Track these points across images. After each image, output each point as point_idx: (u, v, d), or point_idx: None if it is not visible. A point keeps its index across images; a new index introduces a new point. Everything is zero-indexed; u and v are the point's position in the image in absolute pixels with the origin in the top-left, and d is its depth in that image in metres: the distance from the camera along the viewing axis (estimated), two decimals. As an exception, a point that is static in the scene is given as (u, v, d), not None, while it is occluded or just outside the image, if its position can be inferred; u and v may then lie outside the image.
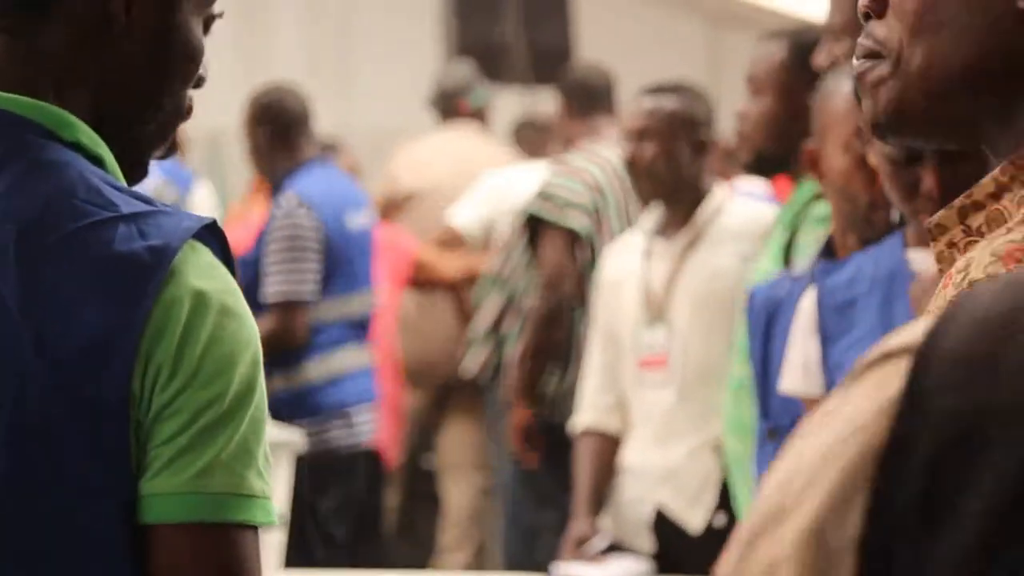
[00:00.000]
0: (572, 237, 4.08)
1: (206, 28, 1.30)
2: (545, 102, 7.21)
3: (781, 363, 2.22)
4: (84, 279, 1.16)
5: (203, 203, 5.44)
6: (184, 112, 1.28)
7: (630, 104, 3.40)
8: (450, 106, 5.48)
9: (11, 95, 1.22)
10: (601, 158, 4.19)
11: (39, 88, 1.23)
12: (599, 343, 3.44)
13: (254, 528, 1.20)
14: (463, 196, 5.17)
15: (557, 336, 4.09)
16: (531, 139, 5.97)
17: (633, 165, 3.34)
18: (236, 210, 5.43)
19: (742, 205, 3.38)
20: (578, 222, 4.07)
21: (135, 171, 1.28)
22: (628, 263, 3.36)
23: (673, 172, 3.31)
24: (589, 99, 4.46)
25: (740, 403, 2.69)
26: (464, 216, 4.97)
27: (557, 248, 4.11)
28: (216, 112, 8.46)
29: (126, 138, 1.26)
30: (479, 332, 4.47)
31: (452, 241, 4.97)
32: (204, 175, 6.24)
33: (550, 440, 4.10)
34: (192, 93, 1.29)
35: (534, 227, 4.19)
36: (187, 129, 7.06)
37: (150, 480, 1.18)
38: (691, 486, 3.23)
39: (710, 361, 3.19)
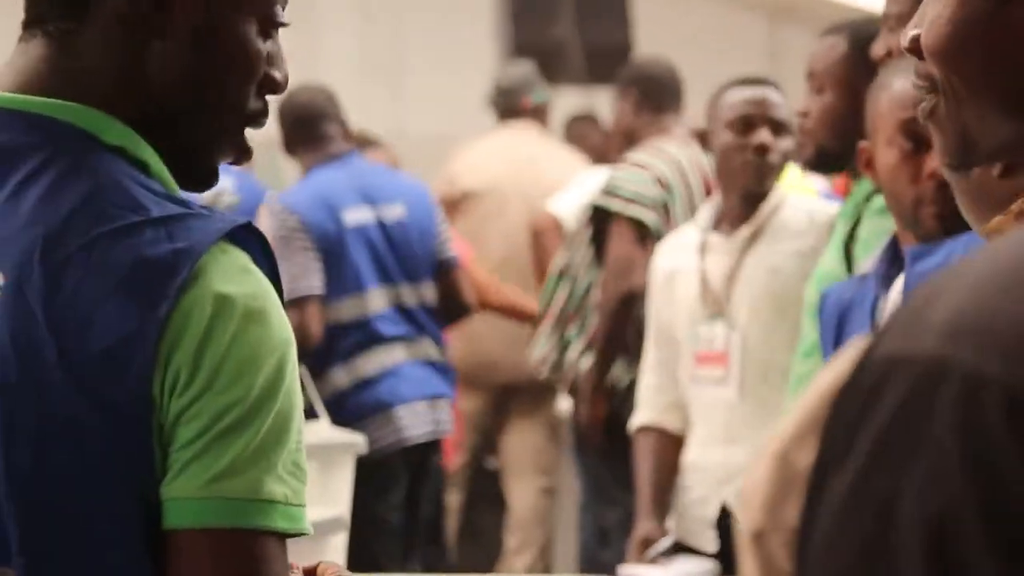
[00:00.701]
0: (639, 230, 4.04)
1: (265, 32, 1.27)
2: (601, 101, 7.18)
3: None
4: (107, 283, 1.15)
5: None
6: (249, 115, 1.27)
7: (738, 96, 3.25)
8: (511, 104, 5.46)
9: (51, 100, 1.21)
10: (668, 155, 4.16)
11: (82, 92, 1.22)
12: (654, 340, 3.40)
13: (277, 535, 1.18)
14: (524, 195, 5.15)
15: (625, 328, 4.05)
16: (583, 136, 5.93)
17: (769, 153, 3.22)
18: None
19: (802, 201, 3.34)
20: (645, 215, 4.03)
21: (198, 175, 1.27)
22: (683, 258, 3.32)
23: (784, 169, 3.27)
24: (658, 95, 4.40)
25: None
26: (566, 206, 4.95)
27: (624, 239, 4.07)
28: (269, 119, 8.48)
29: (178, 142, 1.24)
30: (545, 329, 4.44)
31: (552, 229, 4.93)
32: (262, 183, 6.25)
33: (618, 435, 4.08)
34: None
35: (599, 222, 4.16)
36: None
37: (169, 484, 1.17)
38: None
39: (771, 358, 3.15)
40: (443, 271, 4.29)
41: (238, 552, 1.16)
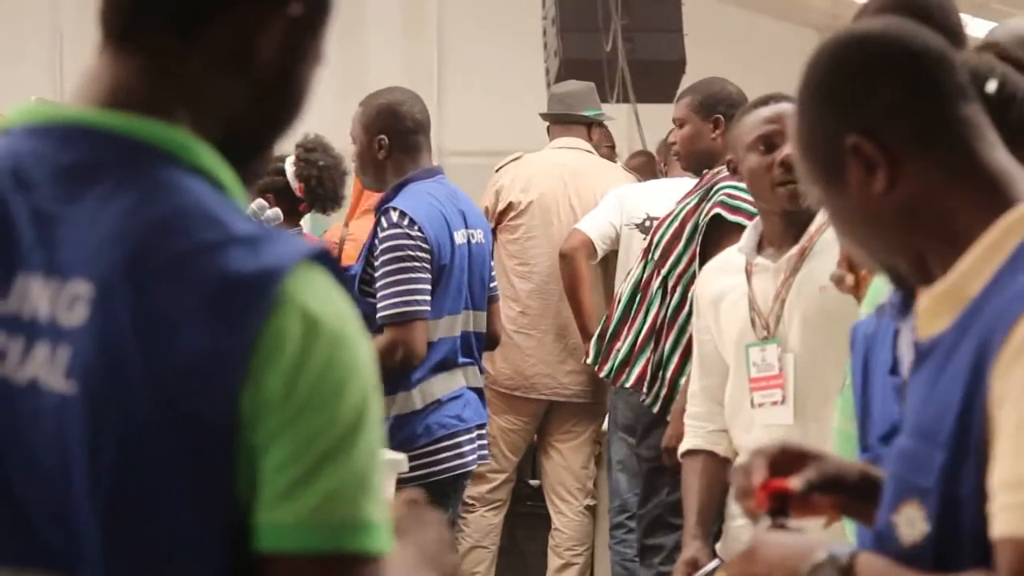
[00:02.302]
0: None
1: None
2: (648, 118, 7.14)
3: (879, 398, 2.16)
4: (195, 298, 1.16)
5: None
6: None
7: (761, 114, 3.22)
8: (564, 118, 5.45)
9: (135, 118, 1.23)
10: None
11: (168, 110, 1.24)
12: (699, 367, 3.38)
13: (375, 557, 1.19)
14: (571, 209, 5.13)
15: None
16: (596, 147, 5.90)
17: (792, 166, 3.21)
18: (334, 228, 5.43)
19: None
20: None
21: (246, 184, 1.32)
22: (728, 282, 3.28)
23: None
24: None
25: (847, 417, 2.61)
26: (595, 226, 4.92)
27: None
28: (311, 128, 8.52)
29: (246, 169, 1.29)
30: (629, 344, 4.40)
31: (583, 249, 4.91)
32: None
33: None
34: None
35: (707, 235, 4.12)
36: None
37: (269, 509, 1.17)
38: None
39: (824, 378, 3.10)
40: (491, 300, 4.24)
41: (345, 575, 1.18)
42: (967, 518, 1.40)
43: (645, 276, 4.41)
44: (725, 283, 3.29)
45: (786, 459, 1.68)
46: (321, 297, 1.19)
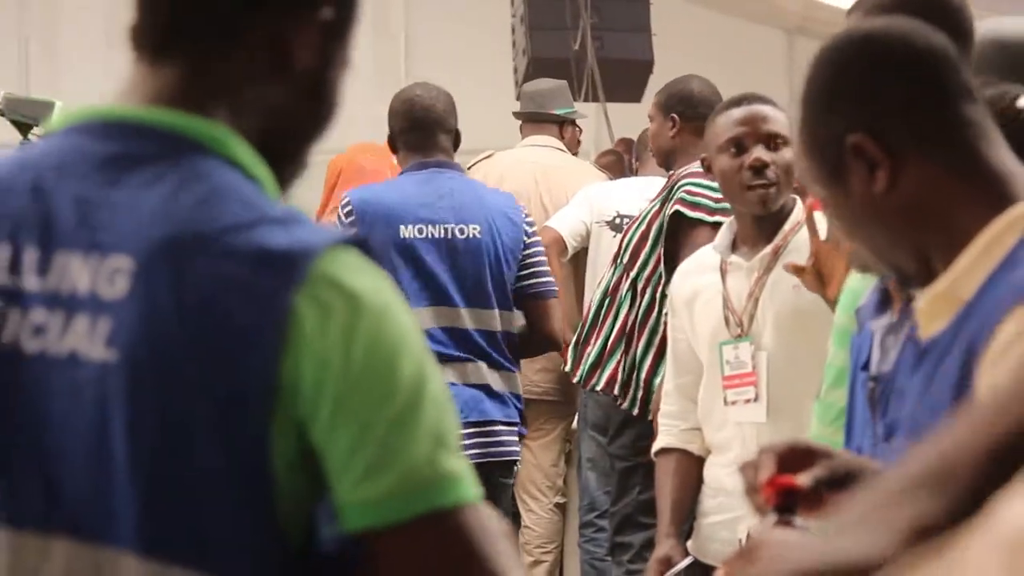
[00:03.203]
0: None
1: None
2: (617, 117, 7.15)
3: (858, 400, 2.17)
4: (230, 270, 1.19)
5: None
6: None
7: (731, 116, 3.23)
8: (536, 116, 5.44)
9: (180, 114, 1.28)
10: None
11: (210, 110, 1.28)
12: (673, 366, 3.38)
13: (468, 504, 1.21)
14: (543, 206, 5.13)
15: None
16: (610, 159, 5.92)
17: (761, 168, 3.19)
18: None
19: (820, 219, 3.29)
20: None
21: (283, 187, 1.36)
22: (703, 281, 3.29)
23: (788, 186, 3.23)
24: (697, 119, 4.39)
25: (825, 424, 2.61)
26: (566, 224, 4.92)
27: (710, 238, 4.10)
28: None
29: (284, 170, 1.33)
30: (599, 348, 4.39)
31: (554, 247, 4.91)
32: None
33: None
34: None
35: (672, 233, 4.14)
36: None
37: (352, 490, 1.19)
38: None
39: (798, 376, 3.11)
40: (528, 301, 4.14)
41: (448, 532, 1.20)
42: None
43: (614, 280, 4.41)
44: (699, 282, 3.30)
45: (795, 456, 1.68)
46: (358, 274, 1.21)
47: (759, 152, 3.18)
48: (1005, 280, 1.45)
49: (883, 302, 2.16)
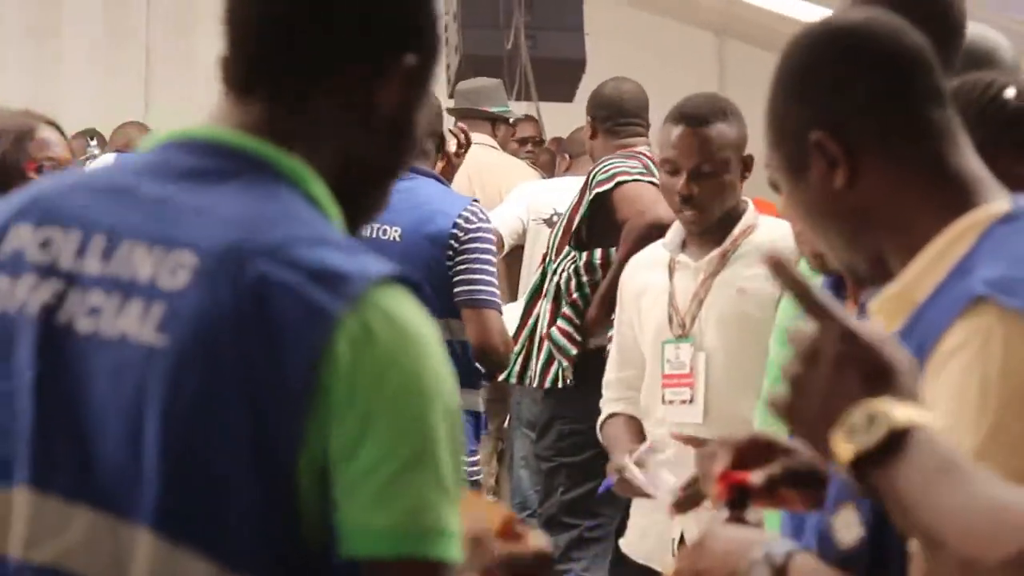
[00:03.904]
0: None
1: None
2: (548, 116, 7.16)
3: None
4: (288, 278, 1.24)
5: None
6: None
7: (670, 133, 3.23)
8: (469, 113, 5.45)
9: (263, 142, 1.33)
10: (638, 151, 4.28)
11: (291, 144, 1.33)
12: (617, 358, 3.38)
13: (451, 565, 1.25)
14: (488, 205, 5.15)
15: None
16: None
17: (688, 199, 3.19)
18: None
19: (772, 224, 3.27)
20: (655, 181, 4.04)
21: (352, 233, 1.40)
22: (652, 277, 3.29)
23: (730, 198, 3.22)
24: (624, 121, 4.43)
25: (768, 422, 2.63)
26: (502, 221, 4.94)
27: (642, 189, 4.10)
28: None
29: (361, 206, 1.38)
30: (521, 344, 4.40)
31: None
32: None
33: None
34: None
35: (600, 214, 4.18)
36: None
37: (360, 513, 1.23)
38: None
39: (738, 380, 3.12)
40: (461, 310, 3.81)
41: None
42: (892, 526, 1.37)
43: (541, 283, 4.44)
44: (649, 278, 3.30)
45: (755, 449, 1.66)
46: (407, 309, 1.26)
47: (683, 184, 3.17)
48: (955, 287, 1.44)
49: (835, 290, 2.17)
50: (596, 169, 4.27)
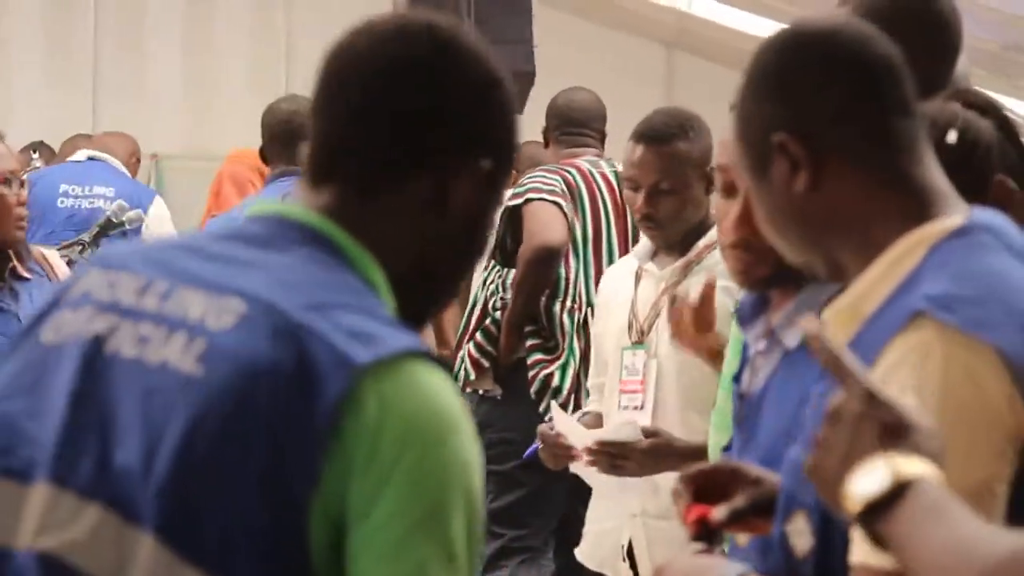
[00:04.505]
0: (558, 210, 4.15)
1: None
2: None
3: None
4: (326, 332, 1.29)
5: (159, 220, 5.43)
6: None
7: (631, 152, 3.26)
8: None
9: (332, 225, 1.39)
10: (575, 165, 4.33)
11: (361, 232, 1.39)
12: (593, 364, 3.44)
13: None
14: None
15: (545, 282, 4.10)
16: None
17: (648, 217, 3.22)
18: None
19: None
20: (558, 200, 4.15)
21: (417, 322, 1.44)
22: (620, 286, 3.33)
23: (692, 214, 3.24)
24: (571, 131, 4.45)
25: (721, 432, 2.64)
26: None
27: (540, 210, 4.16)
28: (162, 134, 8.38)
29: (416, 301, 1.42)
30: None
31: None
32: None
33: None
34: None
35: (513, 225, 4.24)
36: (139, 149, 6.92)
37: (367, 566, 1.26)
38: (663, 522, 3.16)
39: (687, 389, 3.14)
40: None
41: None
42: (842, 537, 1.40)
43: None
44: (618, 285, 3.34)
45: (720, 479, 1.68)
46: (439, 383, 1.31)
47: (642, 202, 3.21)
48: (900, 301, 1.44)
49: (759, 306, 2.18)
50: (518, 182, 4.30)
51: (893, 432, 1.27)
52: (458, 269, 1.45)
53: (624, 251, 4.20)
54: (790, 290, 2.06)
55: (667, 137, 3.22)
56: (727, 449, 2.35)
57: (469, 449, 1.30)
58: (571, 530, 3.79)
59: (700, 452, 2.72)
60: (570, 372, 4.28)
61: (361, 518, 1.26)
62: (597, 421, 3.31)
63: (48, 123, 7.52)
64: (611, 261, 4.22)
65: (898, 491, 1.24)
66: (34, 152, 6.71)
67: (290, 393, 1.27)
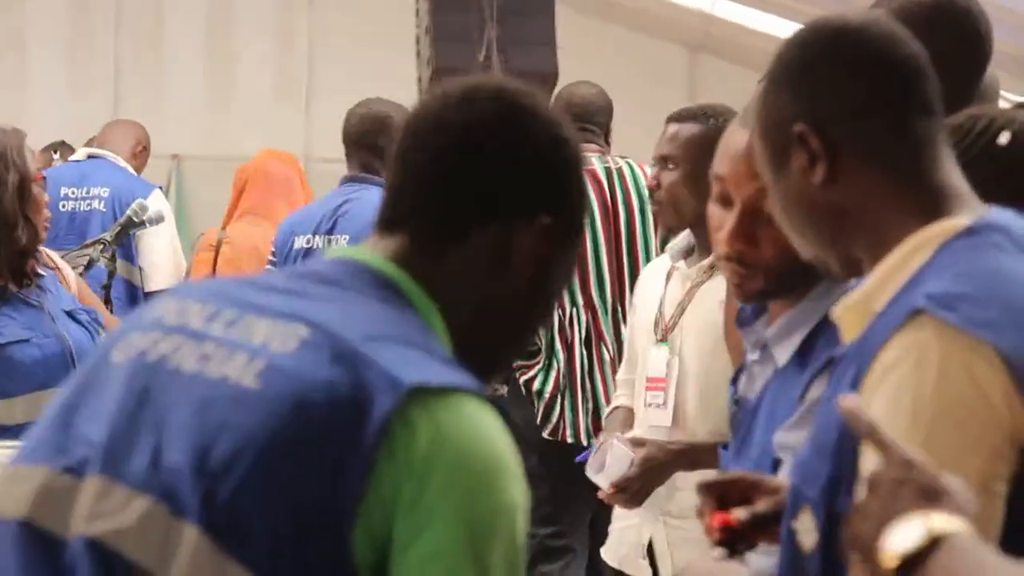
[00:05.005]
0: None
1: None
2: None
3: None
4: (380, 360, 1.33)
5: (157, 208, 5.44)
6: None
7: (668, 131, 3.30)
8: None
9: (401, 272, 1.46)
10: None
11: (427, 282, 1.45)
12: (626, 359, 3.46)
13: None
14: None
15: None
16: None
17: (652, 191, 3.27)
18: (211, 232, 5.40)
19: None
20: None
21: (487, 375, 1.50)
22: (653, 284, 3.35)
23: (697, 199, 3.24)
24: (578, 127, 4.42)
25: None
26: None
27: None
28: (182, 135, 8.39)
29: (482, 358, 1.46)
30: None
31: None
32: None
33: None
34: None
35: None
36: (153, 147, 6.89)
37: None
38: (683, 521, 3.15)
39: (710, 389, 3.13)
40: None
41: None
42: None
43: None
44: (652, 283, 3.36)
45: (741, 489, 1.70)
46: (490, 422, 1.34)
47: (653, 173, 3.26)
48: (905, 299, 1.44)
49: (758, 311, 2.18)
50: None
51: (930, 495, 1.28)
52: (523, 324, 1.50)
53: (614, 251, 4.19)
54: (788, 301, 2.06)
55: (685, 117, 3.27)
56: (725, 447, 2.34)
57: (518, 492, 1.33)
58: (599, 529, 3.78)
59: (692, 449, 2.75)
60: (552, 375, 4.26)
61: (404, 548, 1.29)
62: (628, 415, 3.34)
63: (69, 124, 7.53)
64: (597, 261, 4.21)
65: (932, 545, 1.25)
66: (55, 153, 6.70)
67: (343, 412, 1.31)
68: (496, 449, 1.33)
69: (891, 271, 1.48)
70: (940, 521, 1.26)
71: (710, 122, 3.24)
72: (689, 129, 3.23)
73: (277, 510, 1.30)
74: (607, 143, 4.56)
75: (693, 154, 3.20)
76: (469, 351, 1.45)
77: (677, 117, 3.27)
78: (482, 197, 1.47)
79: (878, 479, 1.31)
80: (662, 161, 3.24)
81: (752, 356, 2.08)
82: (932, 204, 1.50)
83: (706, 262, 3.22)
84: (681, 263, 3.28)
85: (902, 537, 1.26)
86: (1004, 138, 1.82)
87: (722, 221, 2.08)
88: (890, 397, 1.37)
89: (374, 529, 1.29)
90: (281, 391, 1.34)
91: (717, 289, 3.17)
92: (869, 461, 1.37)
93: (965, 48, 2.31)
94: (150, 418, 1.38)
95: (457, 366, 1.39)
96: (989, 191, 1.79)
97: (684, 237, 3.30)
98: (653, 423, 3.22)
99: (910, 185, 1.50)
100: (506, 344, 1.52)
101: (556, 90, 6.84)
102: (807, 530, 1.46)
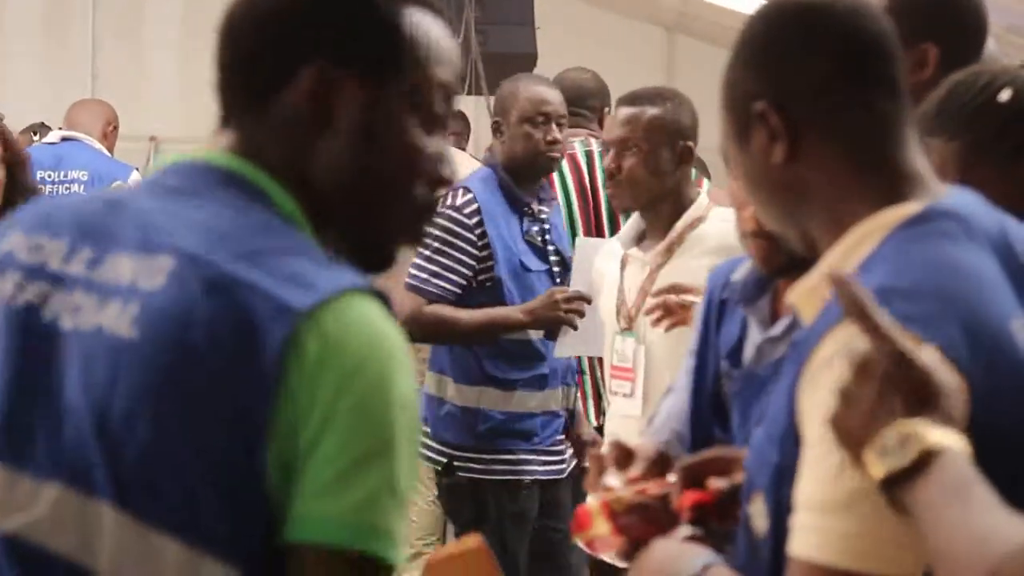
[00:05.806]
0: None
1: (429, 130, 1.40)
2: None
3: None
4: (258, 280, 1.28)
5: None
6: (418, 208, 1.41)
7: (620, 115, 3.33)
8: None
9: (238, 160, 1.38)
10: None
11: (260, 158, 1.38)
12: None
13: (392, 567, 1.27)
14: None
15: None
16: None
17: (612, 175, 3.27)
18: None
19: (723, 217, 3.26)
20: None
21: (372, 259, 1.42)
22: (609, 270, 3.33)
23: (655, 181, 3.25)
24: (576, 111, 4.42)
25: None
26: None
27: None
28: (160, 117, 8.35)
29: (346, 227, 1.39)
30: None
31: None
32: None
33: None
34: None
35: None
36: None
37: (311, 500, 1.26)
38: None
39: (676, 374, 3.13)
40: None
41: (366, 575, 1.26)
42: (787, 523, 1.38)
43: None
44: (608, 266, 3.35)
45: (716, 466, 1.68)
46: (376, 316, 1.29)
47: (609, 158, 3.27)
48: None
49: (762, 284, 2.18)
50: None
51: (922, 397, 1.26)
52: (380, 193, 1.39)
53: (592, 233, 4.19)
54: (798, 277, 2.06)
55: (639, 100, 3.28)
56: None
57: (408, 383, 1.29)
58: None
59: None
60: None
61: (308, 455, 1.25)
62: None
63: (46, 105, 7.50)
64: (575, 243, 4.23)
65: (923, 462, 1.24)
66: (35, 134, 6.67)
67: (231, 346, 1.26)
68: (385, 342, 1.28)
69: (841, 257, 1.45)
70: (934, 436, 1.23)
71: (667, 105, 3.26)
72: (648, 112, 3.24)
73: (185, 466, 1.26)
74: (601, 127, 4.56)
75: (653, 137, 3.21)
76: (342, 235, 1.39)
77: (631, 100, 3.28)
78: (280, 46, 1.38)
79: (868, 367, 1.27)
80: (622, 143, 3.25)
81: (772, 332, 2.07)
82: (888, 187, 1.47)
83: (662, 245, 3.22)
84: (634, 249, 3.27)
85: (892, 448, 1.24)
86: (1005, 95, 1.78)
87: (745, 198, 2.07)
88: (822, 401, 1.33)
89: (284, 455, 1.26)
90: (159, 336, 1.28)
91: (676, 272, 3.18)
92: (810, 447, 1.35)
93: (960, 22, 2.30)
94: (40, 389, 1.33)
95: (332, 261, 1.33)
96: (989, 148, 1.78)
97: (633, 224, 3.29)
98: (622, 413, 3.22)
99: (868, 166, 1.47)
100: (376, 219, 1.40)
101: (536, 71, 6.85)
102: (759, 514, 1.43)
